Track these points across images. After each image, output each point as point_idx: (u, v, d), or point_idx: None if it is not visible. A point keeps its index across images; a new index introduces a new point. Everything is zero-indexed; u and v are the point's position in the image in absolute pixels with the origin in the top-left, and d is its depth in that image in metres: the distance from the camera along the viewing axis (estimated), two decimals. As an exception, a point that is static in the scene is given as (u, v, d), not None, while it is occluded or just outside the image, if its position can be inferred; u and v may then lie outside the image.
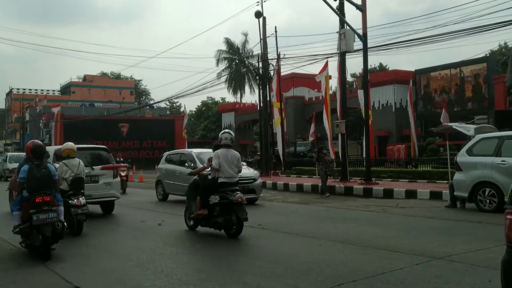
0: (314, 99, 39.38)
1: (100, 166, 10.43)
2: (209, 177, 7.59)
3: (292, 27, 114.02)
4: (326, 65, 20.71)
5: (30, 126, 55.20)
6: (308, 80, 39.95)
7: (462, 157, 10.26)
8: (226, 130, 8.13)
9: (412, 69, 33.61)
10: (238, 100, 51.28)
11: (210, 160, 7.58)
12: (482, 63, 29.36)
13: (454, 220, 8.85)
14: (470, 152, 10.13)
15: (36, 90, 79.66)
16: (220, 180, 7.33)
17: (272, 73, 23.92)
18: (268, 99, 23.80)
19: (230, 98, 57.00)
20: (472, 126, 12.38)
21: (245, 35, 46.34)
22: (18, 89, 76.61)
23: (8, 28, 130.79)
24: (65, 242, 7.61)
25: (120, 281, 5.04)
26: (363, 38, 15.77)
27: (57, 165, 8.10)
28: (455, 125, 13.22)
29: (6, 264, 6.02)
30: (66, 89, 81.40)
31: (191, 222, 8.00)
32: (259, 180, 12.90)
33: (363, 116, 18.55)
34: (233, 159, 7.47)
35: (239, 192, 7.25)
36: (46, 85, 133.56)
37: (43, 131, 51.03)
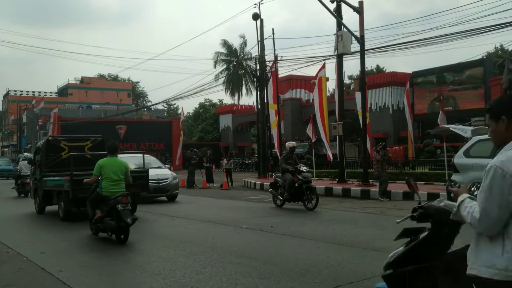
0: (311, 101, 39.37)
1: None
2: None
3: (289, 29, 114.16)
4: (323, 66, 20.71)
5: (27, 128, 55.07)
6: (306, 82, 39.93)
7: (459, 158, 10.30)
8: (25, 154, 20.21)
9: (409, 71, 33.68)
10: (236, 102, 51.29)
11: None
12: (479, 65, 29.46)
13: (451, 222, 8.87)
14: (467, 154, 10.17)
15: (33, 92, 79.52)
16: (21, 174, 17.07)
17: (269, 75, 23.91)
18: (265, 101, 23.82)
19: (227, 100, 57.12)
20: (469, 128, 12.39)
21: (243, 37, 46.49)
22: (15, 91, 76.41)
23: (4, 30, 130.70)
24: (64, 245, 7.61)
25: (118, 283, 5.05)
26: (361, 40, 15.81)
27: None
28: (452, 127, 13.24)
29: (3, 267, 6.02)
30: (63, 91, 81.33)
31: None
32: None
33: (361, 118, 18.56)
34: (27, 166, 15.78)
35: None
36: (43, 87, 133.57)
37: (40, 133, 50.93)
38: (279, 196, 11.89)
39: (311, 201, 11.13)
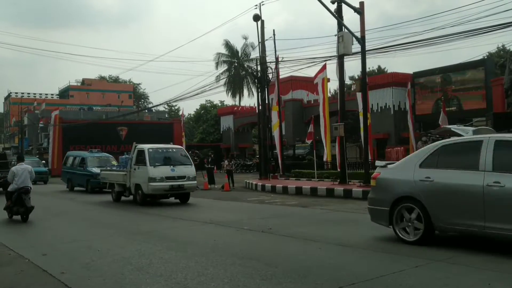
0: (312, 102, 39.40)
1: None
2: None
3: (290, 30, 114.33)
4: (324, 67, 20.69)
5: (28, 130, 55.13)
6: (307, 83, 39.95)
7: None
8: None
9: (411, 71, 33.65)
10: (237, 103, 51.30)
11: None
12: (480, 65, 29.40)
13: (453, 222, 8.85)
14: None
15: (34, 94, 79.68)
16: None
17: (270, 76, 23.90)
18: (266, 102, 23.82)
19: (228, 101, 57.12)
20: (471, 129, 12.36)
21: (245, 38, 46.49)
22: (16, 93, 76.60)
23: (5, 32, 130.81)
24: (65, 246, 7.61)
25: (119, 285, 5.04)
26: (361, 41, 15.79)
27: None
28: (454, 128, 13.22)
29: (5, 269, 6.01)
30: (64, 93, 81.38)
31: None
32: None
33: (362, 118, 18.54)
34: None
35: None
36: (44, 89, 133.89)
37: (42, 135, 51.00)
38: None
39: None
